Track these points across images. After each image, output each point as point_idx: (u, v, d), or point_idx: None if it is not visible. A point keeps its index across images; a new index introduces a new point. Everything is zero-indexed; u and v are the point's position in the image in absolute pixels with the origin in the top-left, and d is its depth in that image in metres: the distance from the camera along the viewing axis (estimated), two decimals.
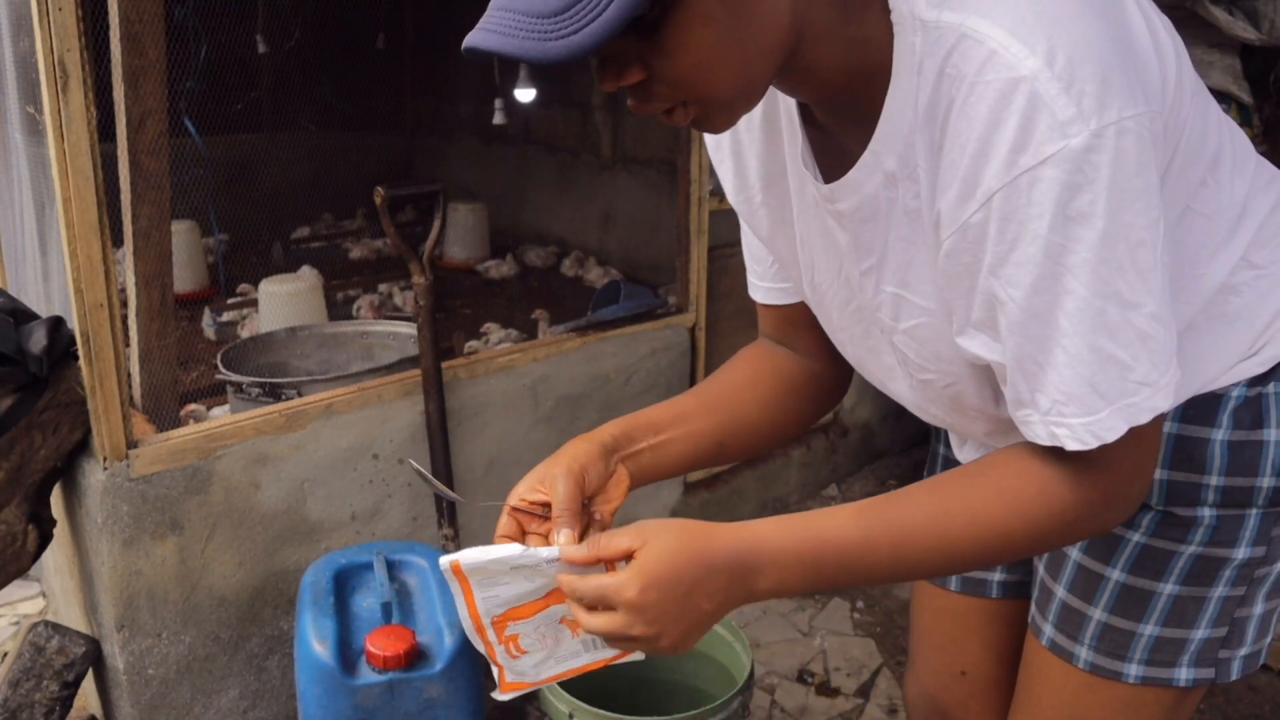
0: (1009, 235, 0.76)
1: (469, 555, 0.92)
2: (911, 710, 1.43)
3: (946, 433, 1.25)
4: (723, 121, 0.84)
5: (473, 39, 0.74)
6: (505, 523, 0.98)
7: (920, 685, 1.40)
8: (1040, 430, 0.82)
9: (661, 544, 0.85)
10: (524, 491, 0.98)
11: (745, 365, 1.15)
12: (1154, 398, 0.79)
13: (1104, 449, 0.81)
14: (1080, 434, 0.80)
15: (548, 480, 0.97)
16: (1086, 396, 0.78)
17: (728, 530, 0.88)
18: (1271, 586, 1.02)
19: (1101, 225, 0.74)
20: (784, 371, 1.14)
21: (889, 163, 0.84)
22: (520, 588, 0.93)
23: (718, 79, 0.78)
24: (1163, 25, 0.85)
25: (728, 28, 0.75)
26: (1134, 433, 0.80)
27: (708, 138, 1.06)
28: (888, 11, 0.81)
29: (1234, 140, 0.95)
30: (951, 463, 1.24)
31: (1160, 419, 0.82)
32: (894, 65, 0.81)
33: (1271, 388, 0.96)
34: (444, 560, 0.93)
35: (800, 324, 1.12)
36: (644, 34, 0.75)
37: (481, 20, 0.75)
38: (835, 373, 1.14)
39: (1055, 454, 0.84)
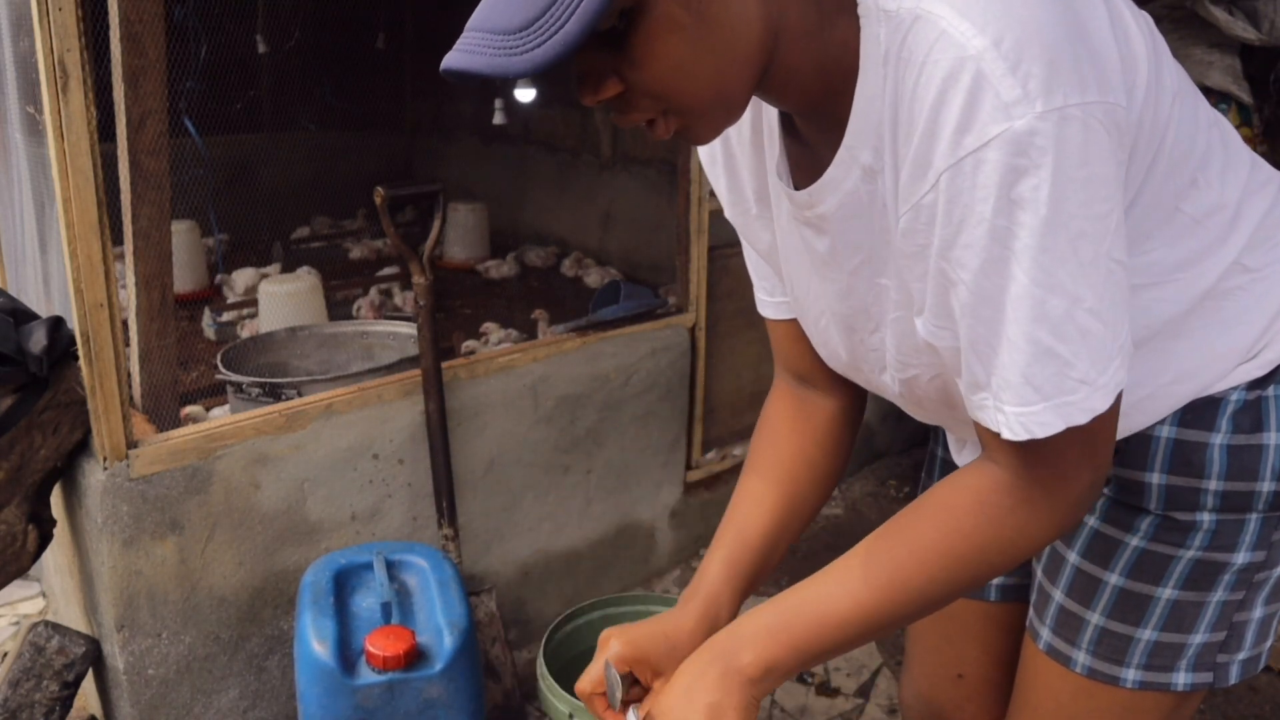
0: (956, 217, 0.76)
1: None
2: (906, 713, 1.42)
3: (945, 435, 1.25)
4: (705, 132, 0.84)
5: (447, 60, 0.76)
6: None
7: (916, 688, 1.39)
8: (993, 415, 0.81)
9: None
10: (619, 659, 1.03)
11: (792, 442, 1.14)
12: (1092, 398, 0.78)
13: (1039, 445, 0.80)
14: (1012, 424, 0.79)
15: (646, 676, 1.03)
16: (1021, 387, 0.78)
17: (753, 653, 0.93)
18: (1271, 590, 1.01)
19: (1044, 212, 0.73)
20: (821, 435, 1.14)
21: (865, 156, 0.84)
22: None
23: (692, 87, 0.78)
24: (1138, 24, 0.84)
25: (696, 34, 0.75)
26: (1072, 431, 0.79)
27: (702, 152, 1.06)
28: (857, 12, 0.80)
29: (1226, 141, 0.94)
30: (949, 465, 1.24)
31: (1106, 418, 0.80)
32: (861, 59, 0.80)
33: (1271, 391, 0.95)
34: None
35: (814, 349, 1.11)
36: (615, 46, 0.76)
37: (457, 43, 0.76)
38: (853, 402, 1.15)
39: (991, 460, 0.84)
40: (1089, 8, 0.79)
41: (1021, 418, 0.79)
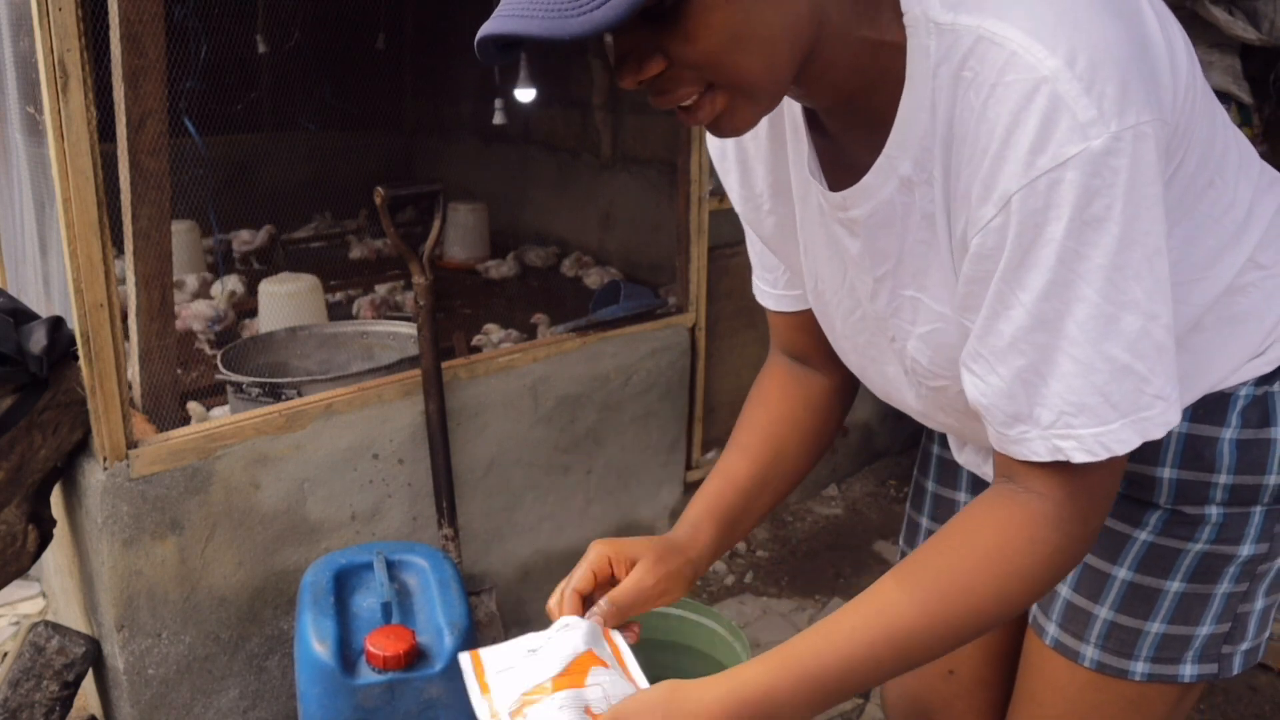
0: (1025, 239, 0.75)
1: (489, 649, 0.95)
2: (890, 712, 1.40)
3: (943, 434, 1.25)
4: (747, 114, 0.81)
5: (491, 26, 0.72)
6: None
7: (903, 685, 1.38)
8: (1039, 446, 0.81)
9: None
10: (604, 556, 1.01)
11: (782, 405, 1.14)
12: (1168, 412, 0.78)
13: (1087, 472, 0.80)
14: (1090, 445, 0.78)
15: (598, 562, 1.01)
16: (1099, 407, 0.77)
17: (713, 690, 0.85)
18: (1271, 582, 1.03)
19: (1118, 230, 0.73)
20: (813, 401, 1.14)
21: (904, 167, 0.83)
22: (535, 672, 0.92)
23: (743, 60, 0.76)
24: (1177, 29, 0.85)
25: (747, 6, 0.74)
26: (1118, 457, 0.79)
27: (712, 148, 1.06)
28: (900, 14, 0.80)
29: (1239, 142, 0.95)
30: (946, 463, 1.24)
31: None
32: (908, 69, 0.80)
33: (1277, 386, 0.97)
34: (463, 654, 0.94)
35: (814, 329, 1.11)
36: (663, 20, 0.74)
37: (497, 9, 0.73)
38: (848, 380, 1.15)
39: (1028, 491, 0.83)
40: (1143, 19, 0.79)
41: (1101, 437, 0.78)
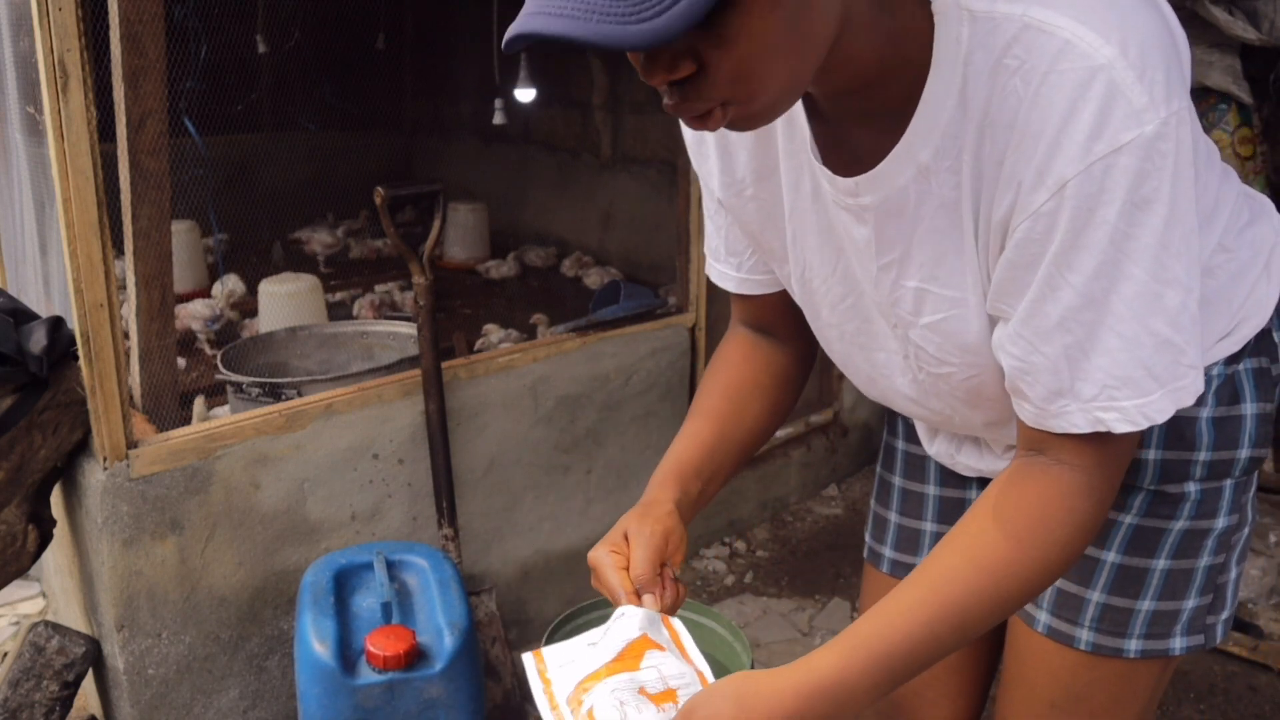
0: (1078, 223, 0.77)
1: (551, 646, 0.95)
2: None
3: (903, 426, 1.26)
4: (761, 122, 0.80)
5: (531, 24, 0.67)
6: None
7: None
8: (1079, 418, 0.83)
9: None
10: (607, 554, 1.01)
11: (744, 368, 1.15)
12: (1198, 380, 0.82)
13: (1120, 440, 0.83)
14: (1132, 415, 0.81)
15: (632, 541, 1.01)
16: (1141, 379, 0.80)
17: (787, 677, 0.86)
18: (1240, 551, 1.08)
19: (1165, 211, 0.76)
20: (775, 367, 1.16)
21: (924, 155, 0.83)
22: (595, 660, 0.93)
23: (773, 72, 0.74)
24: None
25: (791, 15, 0.72)
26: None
27: (688, 135, 1.06)
28: (926, 4, 0.79)
29: (1202, 132, 0.98)
30: (912, 458, 1.25)
31: None
32: (934, 57, 0.80)
33: (1243, 365, 1.01)
34: (526, 654, 0.95)
35: (780, 309, 1.12)
36: (705, 23, 0.70)
37: (535, 3, 0.69)
38: (808, 351, 1.17)
39: (1059, 463, 0.85)
40: (1162, 7, 0.81)
41: (1143, 407, 0.81)
